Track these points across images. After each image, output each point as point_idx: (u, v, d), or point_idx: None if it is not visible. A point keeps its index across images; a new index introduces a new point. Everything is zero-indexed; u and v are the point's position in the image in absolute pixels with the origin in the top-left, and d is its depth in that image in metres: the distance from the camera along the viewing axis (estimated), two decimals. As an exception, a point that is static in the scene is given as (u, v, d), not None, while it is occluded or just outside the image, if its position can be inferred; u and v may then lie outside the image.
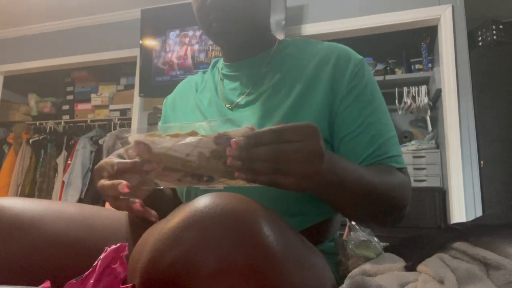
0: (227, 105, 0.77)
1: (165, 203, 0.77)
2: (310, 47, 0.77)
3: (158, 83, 2.90)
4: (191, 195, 0.73)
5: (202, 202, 0.40)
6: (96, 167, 0.62)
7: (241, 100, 0.76)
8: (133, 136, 0.57)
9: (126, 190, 0.54)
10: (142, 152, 0.56)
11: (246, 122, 0.71)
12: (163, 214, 0.73)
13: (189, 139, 0.51)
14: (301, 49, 0.78)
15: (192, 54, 2.83)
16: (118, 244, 0.40)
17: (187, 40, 2.85)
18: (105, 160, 0.61)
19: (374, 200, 0.62)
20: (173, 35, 2.90)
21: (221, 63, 0.86)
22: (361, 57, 0.74)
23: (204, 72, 0.90)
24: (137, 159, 0.58)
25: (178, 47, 2.87)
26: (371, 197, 0.61)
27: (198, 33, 2.83)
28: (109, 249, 0.40)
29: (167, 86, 2.82)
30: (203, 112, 0.79)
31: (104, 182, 0.58)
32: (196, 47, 2.83)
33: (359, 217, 0.67)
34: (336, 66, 0.71)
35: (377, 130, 0.69)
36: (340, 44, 0.76)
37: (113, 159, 0.61)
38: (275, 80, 0.74)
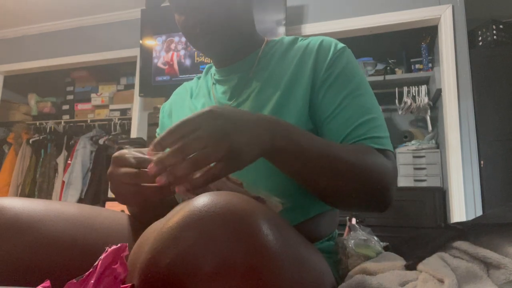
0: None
1: (164, 204, 0.77)
2: (296, 43, 0.78)
3: (158, 83, 2.90)
4: None
5: (201, 201, 0.40)
6: (117, 155, 0.57)
7: (232, 103, 0.77)
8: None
9: (163, 181, 0.50)
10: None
11: None
12: (158, 216, 0.73)
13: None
14: (288, 46, 0.78)
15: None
16: (119, 245, 0.40)
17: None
18: (133, 154, 0.57)
19: (341, 176, 0.59)
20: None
21: (214, 68, 0.87)
22: (343, 45, 0.74)
23: (198, 78, 0.91)
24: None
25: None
26: (338, 172, 0.59)
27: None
28: (109, 250, 0.40)
29: (167, 86, 2.83)
30: None
31: (127, 169, 0.54)
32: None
33: (330, 196, 0.64)
34: (317, 56, 0.72)
35: (353, 112, 0.67)
36: (326, 36, 0.76)
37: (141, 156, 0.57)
38: (262, 79, 0.75)
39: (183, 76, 2.80)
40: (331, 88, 0.69)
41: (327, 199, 0.65)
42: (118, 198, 0.60)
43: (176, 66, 2.85)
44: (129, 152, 0.58)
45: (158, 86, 2.89)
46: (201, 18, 0.72)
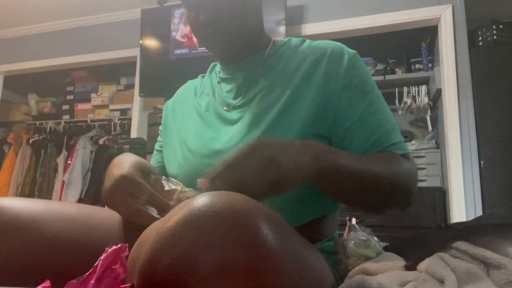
0: (225, 108, 0.78)
1: None
2: (304, 46, 0.78)
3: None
4: None
5: (201, 201, 0.40)
6: (119, 180, 0.61)
7: (237, 101, 0.77)
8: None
9: None
10: None
11: (242, 121, 0.72)
12: None
13: None
14: (295, 48, 0.78)
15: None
16: (119, 245, 0.40)
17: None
18: (134, 178, 0.62)
19: (377, 187, 0.63)
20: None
21: (218, 66, 0.87)
22: (354, 51, 0.75)
23: (203, 76, 0.91)
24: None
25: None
26: (374, 184, 0.62)
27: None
28: (109, 250, 0.40)
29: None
30: (202, 116, 0.80)
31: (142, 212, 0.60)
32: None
33: (364, 206, 0.68)
34: (330, 61, 0.72)
35: (377, 119, 0.70)
36: (333, 41, 0.77)
37: (149, 189, 0.62)
38: (269, 80, 0.75)
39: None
40: (354, 94, 0.71)
41: (360, 208, 0.69)
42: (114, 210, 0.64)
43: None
44: (143, 182, 0.62)
45: (158, 86, 2.88)
46: (213, 17, 0.72)
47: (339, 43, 0.76)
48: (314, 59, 0.73)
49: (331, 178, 0.59)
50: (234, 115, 0.75)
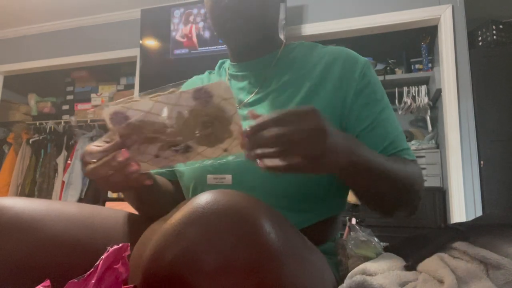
0: (236, 105, 0.78)
1: (160, 194, 0.77)
2: (317, 50, 0.79)
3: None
4: (198, 192, 0.73)
5: (204, 198, 0.40)
6: (82, 155, 0.62)
7: (249, 99, 0.77)
8: (108, 108, 0.53)
9: (126, 155, 0.54)
10: (119, 124, 0.53)
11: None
12: (157, 206, 0.73)
13: (167, 96, 0.51)
14: (308, 52, 0.79)
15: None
16: (120, 245, 0.40)
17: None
18: (89, 147, 0.61)
19: (394, 186, 0.64)
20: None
21: (227, 63, 0.87)
22: (366, 59, 0.78)
23: (210, 73, 0.91)
24: (112, 141, 0.56)
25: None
26: (393, 183, 0.63)
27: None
28: (111, 249, 0.40)
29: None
30: None
31: (94, 164, 0.58)
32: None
33: (381, 205, 0.69)
34: (344, 67, 0.74)
35: (388, 126, 0.73)
36: (345, 48, 0.79)
37: (93, 147, 0.61)
38: (283, 81, 0.76)
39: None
40: (367, 101, 0.72)
41: (377, 207, 0.69)
42: (111, 188, 0.62)
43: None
44: (91, 148, 0.61)
45: (159, 86, 2.87)
46: (235, 2, 0.72)
47: (351, 50, 0.78)
48: (327, 63, 0.75)
49: (359, 170, 0.58)
50: (246, 112, 0.76)
